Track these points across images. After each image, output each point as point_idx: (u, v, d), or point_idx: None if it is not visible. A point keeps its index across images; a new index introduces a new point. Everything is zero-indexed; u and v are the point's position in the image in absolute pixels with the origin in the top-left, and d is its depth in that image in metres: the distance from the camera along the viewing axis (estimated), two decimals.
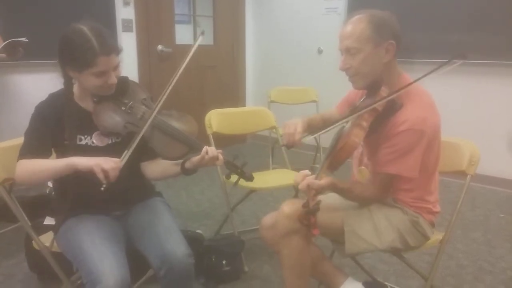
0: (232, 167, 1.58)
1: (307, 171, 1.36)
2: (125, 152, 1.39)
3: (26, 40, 2.52)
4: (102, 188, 1.32)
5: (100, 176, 1.31)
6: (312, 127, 1.65)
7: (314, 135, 1.50)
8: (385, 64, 1.48)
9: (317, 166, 1.45)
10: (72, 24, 1.40)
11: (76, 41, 1.36)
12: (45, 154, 1.46)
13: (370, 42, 1.44)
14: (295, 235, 1.50)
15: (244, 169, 1.59)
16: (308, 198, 1.28)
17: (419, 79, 1.40)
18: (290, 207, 1.49)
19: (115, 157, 1.38)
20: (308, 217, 1.24)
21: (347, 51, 1.47)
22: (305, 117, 1.68)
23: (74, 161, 1.35)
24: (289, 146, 1.58)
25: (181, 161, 1.54)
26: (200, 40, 1.53)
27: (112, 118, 1.50)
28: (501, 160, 3.54)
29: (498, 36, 3.39)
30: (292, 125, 1.59)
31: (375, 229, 1.52)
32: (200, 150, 1.49)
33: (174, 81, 1.48)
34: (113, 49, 1.40)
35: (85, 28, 1.37)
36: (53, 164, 1.40)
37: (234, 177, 1.62)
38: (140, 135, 1.43)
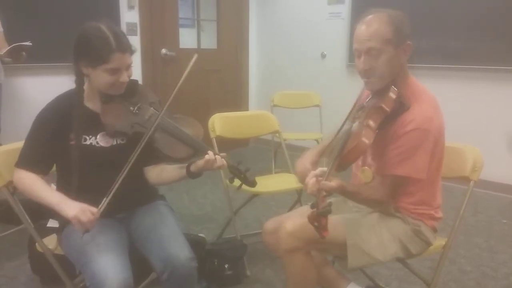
0: (235, 171, 1.58)
1: (318, 171, 1.33)
2: (104, 200, 1.37)
3: (30, 44, 2.54)
4: (81, 236, 1.36)
5: (78, 227, 1.34)
6: (322, 153, 1.60)
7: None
8: (401, 65, 1.47)
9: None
10: (88, 22, 1.44)
11: (94, 37, 1.40)
12: (42, 169, 1.49)
13: (392, 43, 1.42)
14: (297, 252, 1.48)
15: (247, 174, 1.60)
16: (318, 200, 1.23)
17: None
18: (292, 224, 1.47)
19: (120, 159, 1.41)
20: (319, 219, 1.19)
21: (368, 52, 1.43)
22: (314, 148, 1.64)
23: (59, 207, 1.37)
24: (303, 182, 1.44)
25: (186, 164, 1.55)
26: (193, 61, 1.49)
27: (120, 117, 1.51)
28: (503, 166, 3.52)
29: (497, 42, 3.39)
30: (301, 163, 1.56)
31: (379, 243, 1.50)
32: (206, 152, 1.50)
33: (177, 88, 1.48)
34: (128, 47, 1.45)
35: (102, 26, 1.42)
36: (44, 196, 1.42)
37: (237, 181, 1.63)
38: (147, 136, 1.44)
